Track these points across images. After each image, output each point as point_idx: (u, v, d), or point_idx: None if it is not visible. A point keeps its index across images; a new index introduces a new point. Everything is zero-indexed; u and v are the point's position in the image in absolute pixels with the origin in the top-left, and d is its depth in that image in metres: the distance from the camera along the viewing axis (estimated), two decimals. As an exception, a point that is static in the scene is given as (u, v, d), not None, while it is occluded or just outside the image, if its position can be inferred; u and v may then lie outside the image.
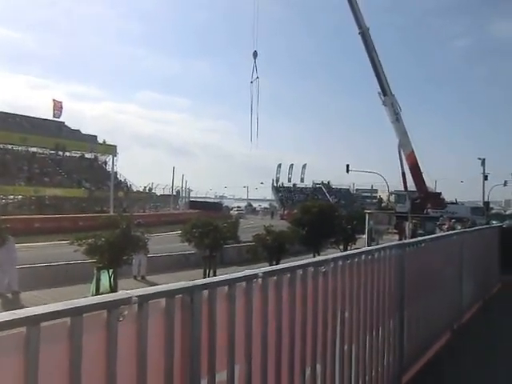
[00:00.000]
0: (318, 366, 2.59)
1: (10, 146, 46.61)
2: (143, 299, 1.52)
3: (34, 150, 49.05)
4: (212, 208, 46.98)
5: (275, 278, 2.24)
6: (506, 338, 5.40)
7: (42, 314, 1.24)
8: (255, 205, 75.14)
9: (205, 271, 12.89)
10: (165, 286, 1.69)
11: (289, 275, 2.34)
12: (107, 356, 1.43)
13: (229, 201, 72.83)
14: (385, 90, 27.29)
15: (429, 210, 26.32)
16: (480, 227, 10.22)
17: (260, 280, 2.11)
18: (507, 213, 35.50)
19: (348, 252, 3.18)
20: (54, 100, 53.12)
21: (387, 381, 3.45)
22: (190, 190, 58.02)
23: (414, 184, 27.44)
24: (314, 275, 2.53)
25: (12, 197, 40.26)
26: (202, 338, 1.77)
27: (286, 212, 51.69)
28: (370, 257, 3.14)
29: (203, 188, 78.04)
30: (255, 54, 27.32)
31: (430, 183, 29.80)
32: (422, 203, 26.46)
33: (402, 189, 27.56)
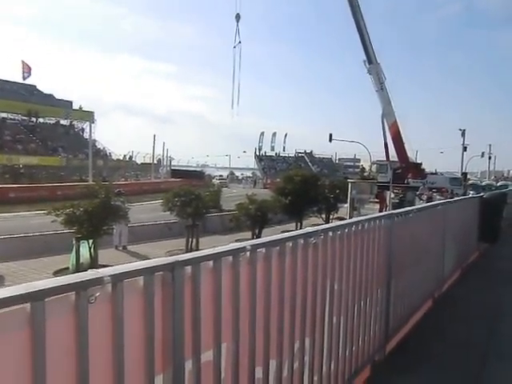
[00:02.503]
0: (307, 340, 2.51)
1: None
2: (117, 278, 1.34)
3: (3, 115, 46.64)
4: (194, 177, 46.45)
5: (264, 250, 2.09)
6: (484, 306, 5.53)
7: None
8: (238, 173, 74.78)
9: (187, 240, 12.78)
10: (143, 262, 1.51)
11: (278, 248, 2.19)
12: (77, 344, 1.26)
13: (211, 169, 72.08)
14: (370, 58, 26.65)
15: (409, 180, 26.64)
16: (463, 197, 10.35)
17: (248, 253, 1.95)
18: (483, 183, 36.42)
19: (338, 223, 3.06)
20: (22, 61, 50.09)
21: (373, 350, 3.45)
22: (171, 159, 57.05)
23: (395, 154, 27.60)
24: (303, 247, 2.40)
25: (-18, 165, 38.63)
26: (185, 318, 1.62)
27: (268, 181, 51.71)
28: (359, 227, 3.03)
29: (185, 156, 77.05)
30: (238, 17, 26.20)
31: (411, 153, 30.07)
32: (403, 173, 26.68)
33: (385, 159, 27.70)
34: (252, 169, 74.55)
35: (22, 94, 48.88)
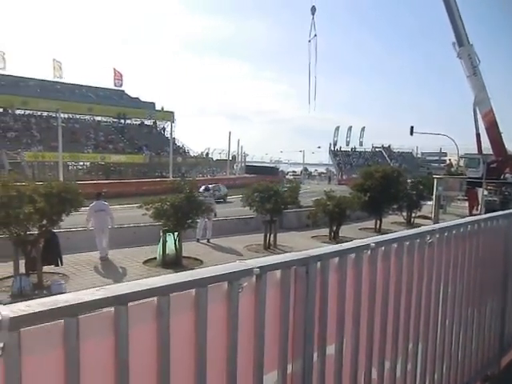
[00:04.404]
0: (420, 342, 2.42)
1: (78, 116, 49.73)
2: (263, 270, 1.41)
3: (98, 118, 51.99)
4: (268, 172, 46.95)
5: (383, 248, 2.05)
6: None
7: (171, 284, 1.18)
8: (311, 169, 73.93)
9: (265, 235, 12.97)
10: (279, 256, 1.58)
11: (396, 246, 2.14)
12: (229, 327, 1.37)
13: (284, 165, 72.12)
14: (461, 40, 23.74)
15: (507, 175, 23.79)
16: None
17: (369, 251, 1.93)
18: None
19: (454, 221, 2.88)
20: (114, 69, 54.98)
21: (486, 360, 3.20)
22: (245, 155, 58.18)
23: (489, 146, 24.82)
24: (420, 246, 2.31)
25: (82, 163, 43.07)
26: (315, 311, 1.66)
27: (344, 177, 50.48)
28: (475, 227, 2.83)
29: (259, 152, 78.01)
30: (313, 10, 25.74)
31: (509, 145, 26.81)
32: (500, 168, 23.79)
33: (475, 151, 25.10)
34: (326, 164, 73.12)
35: (114, 98, 53.91)
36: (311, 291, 1.61)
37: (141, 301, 1.12)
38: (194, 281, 1.23)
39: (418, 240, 2.31)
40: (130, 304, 1.10)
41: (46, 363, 0.99)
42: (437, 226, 2.51)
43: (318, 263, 1.66)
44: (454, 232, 2.60)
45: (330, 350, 1.82)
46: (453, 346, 2.75)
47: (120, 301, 1.07)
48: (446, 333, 2.65)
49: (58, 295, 1.02)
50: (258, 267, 1.37)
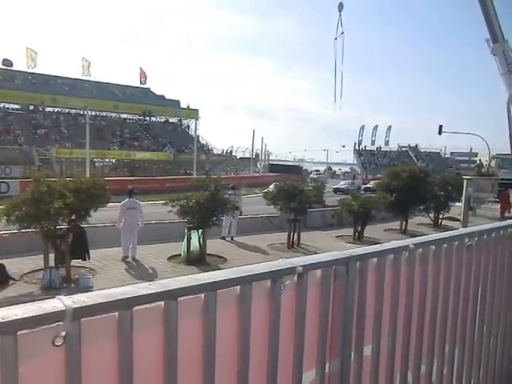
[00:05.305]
0: (457, 347, 2.37)
1: (104, 113, 50.89)
2: (305, 269, 1.42)
3: (124, 116, 53.05)
4: (291, 171, 46.81)
5: (421, 250, 2.02)
6: None
7: (219, 281, 1.21)
8: (335, 168, 73.24)
9: (289, 235, 12.95)
10: (320, 255, 1.59)
11: (434, 248, 2.10)
12: (270, 323, 1.39)
13: (308, 164, 71.77)
14: (495, 36, 22.76)
15: None
16: None
17: (407, 253, 1.91)
18: None
19: (493, 224, 2.81)
20: (140, 67, 56.16)
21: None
22: (269, 153, 58.10)
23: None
24: (458, 249, 2.26)
25: (108, 160, 44.00)
26: (354, 311, 1.65)
27: (368, 176, 49.77)
28: (516, 230, 2.75)
29: (282, 151, 77.87)
30: (340, 7, 25.54)
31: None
32: (535, 168, 22.91)
33: (508, 152, 24.16)
34: (350, 164, 72.26)
35: (139, 96, 54.92)
36: (350, 291, 1.61)
37: (189, 296, 1.15)
38: (239, 278, 1.25)
39: (457, 242, 2.26)
40: (180, 299, 1.13)
41: (101, 352, 1.03)
42: (476, 228, 2.45)
43: (358, 263, 1.66)
44: (493, 235, 2.53)
45: (367, 350, 1.81)
46: (490, 352, 2.68)
47: (171, 295, 1.11)
48: (484, 338, 2.59)
49: (114, 288, 1.06)
50: (300, 266, 1.38)
